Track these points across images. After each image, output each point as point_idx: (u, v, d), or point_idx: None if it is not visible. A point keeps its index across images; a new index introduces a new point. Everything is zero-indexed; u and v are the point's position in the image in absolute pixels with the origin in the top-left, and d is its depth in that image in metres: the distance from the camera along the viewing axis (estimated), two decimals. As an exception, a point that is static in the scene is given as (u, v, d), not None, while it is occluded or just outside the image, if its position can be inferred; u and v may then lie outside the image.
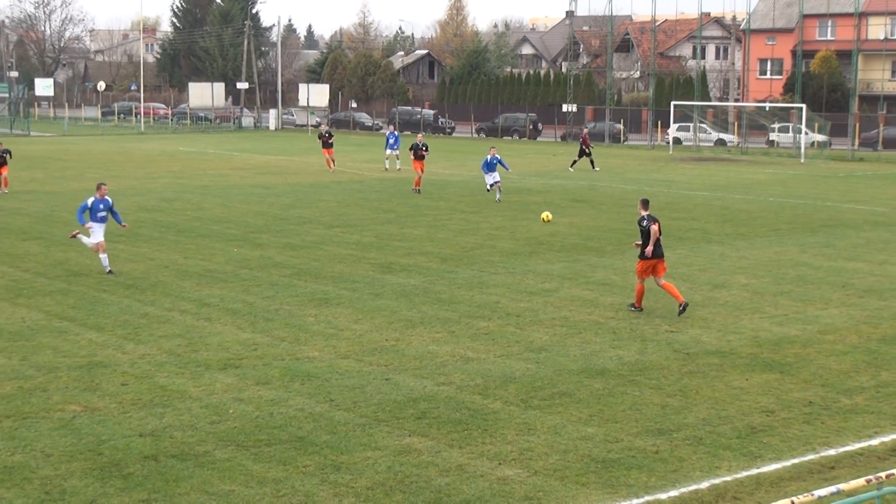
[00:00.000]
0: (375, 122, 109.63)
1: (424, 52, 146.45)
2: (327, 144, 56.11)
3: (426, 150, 46.59)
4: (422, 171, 45.83)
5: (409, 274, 25.72)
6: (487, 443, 13.88)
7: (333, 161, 55.97)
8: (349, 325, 20.34)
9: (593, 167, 59.42)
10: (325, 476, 12.69)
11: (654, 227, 21.44)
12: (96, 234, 25.43)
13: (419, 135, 54.86)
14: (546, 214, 26.16)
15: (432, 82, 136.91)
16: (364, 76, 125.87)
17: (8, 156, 45.11)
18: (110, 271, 25.13)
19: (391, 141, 56.61)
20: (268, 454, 13.36)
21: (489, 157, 41.39)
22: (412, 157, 46.13)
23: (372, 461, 13.17)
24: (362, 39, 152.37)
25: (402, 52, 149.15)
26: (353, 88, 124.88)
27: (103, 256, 25.36)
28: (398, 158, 56.77)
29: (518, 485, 12.51)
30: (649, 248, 21.43)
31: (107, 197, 25.76)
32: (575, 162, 59.99)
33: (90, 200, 25.47)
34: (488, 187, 41.76)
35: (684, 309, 21.27)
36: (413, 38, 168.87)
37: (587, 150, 59.86)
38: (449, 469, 12.95)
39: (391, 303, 22.42)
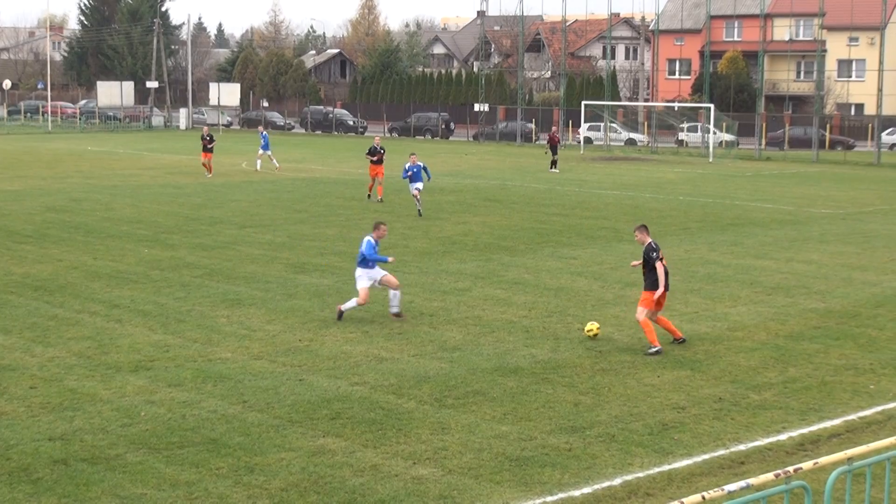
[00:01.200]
0: (287, 122, 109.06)
1: (336, 51, 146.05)
2: (207, 149, 51.66)
3: (383, 152, 43.12)
4: (381, 175, 42.29)
5: (323, 274, 25.63)
6: (402, 442, 13.88)
7: (211, 168, 51.78)
8: (262, 325, 20.22)
9: (552, 167, 59.12)
10: (239, 478, 12.60)
11: (661, 265, 18.85)
12: None
13: (376, 137, 52.87)
14: (592, 326, 20.74)
15: (344, 81, 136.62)
16: (276, 75, 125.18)
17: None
18: None
19: (263, 142, 55.70)
20: (180, 457, 13.23)
21: (408, 164, 37.50)
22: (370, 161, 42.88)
23: (286, 462, 13.11)
24: (273, 38, 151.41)
25: (313, 51, 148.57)
26: (265, 87, 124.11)
27: None
28: (272, 158, 56.07)
29: (433, 484, 12.53)
30: (663, 283, 18.75)
31: None
32: (554, 162, 59.49)
33: None
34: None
35: (682, 342, 19.24)
36: (325, 37, 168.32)
37: (555, 150, 59.84)
38: (363, 469, 12.93)
39: (304, 303, 22.33)
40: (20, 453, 13.24)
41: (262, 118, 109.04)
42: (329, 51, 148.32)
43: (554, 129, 67.20)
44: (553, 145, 60.18)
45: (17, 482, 12.36)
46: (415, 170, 37.41)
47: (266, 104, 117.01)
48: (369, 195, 42.60)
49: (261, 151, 55.82)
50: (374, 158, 42.49)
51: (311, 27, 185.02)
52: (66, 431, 14.05)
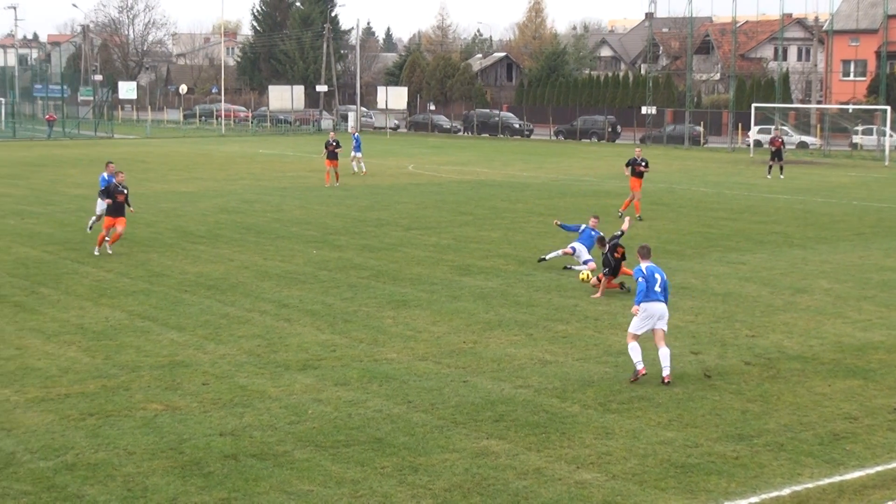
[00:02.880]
0: (453, 125, 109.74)
1: (503, 54, 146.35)
2: (332, 155, 49.02)
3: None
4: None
5: (487, 276, 25.70)
6: (565, 446, 13.83)
7: (338, 175, 49.10)
8: (427, 327, 20.37)
9: (771, 173, 57.07)
10: (403, 477, 12.71)
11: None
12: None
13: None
14: (585, 274, 23.35)
15: (510, 85, 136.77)
16: (442, 79, 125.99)
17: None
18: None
19: (355, 143, 55.70)
20: (346, 455, 13.42)
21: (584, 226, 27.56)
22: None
23: (449, 463, 13.18)
24: (441, 42, 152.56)
25: (480, 55, 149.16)
26: (432, 91, 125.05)
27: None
28: (360, 161, 55.87)
29: (596, 489, 12.45)
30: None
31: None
32: (770, 167, 57.56)
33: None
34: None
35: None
36: (491, 40, 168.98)
37: (780, 155, 57.71)
38: (527, 472, 12.92)
39: (469, 305, 22.42)
40: (192, 447, 13.61)
41: (428, 121, 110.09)
42: (495, 54, 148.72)
43: (776, 132, 65.55)
44: (777, 150, 57.69)
45: (189, 475, 12.70)
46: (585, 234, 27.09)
47: (432, 107, 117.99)
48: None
49: (353, 154, 55.59)
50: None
51: (478, 31, 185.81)
52: (236, 427, 14.39)
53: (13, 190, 45.43)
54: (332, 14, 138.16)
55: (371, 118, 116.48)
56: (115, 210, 28.03)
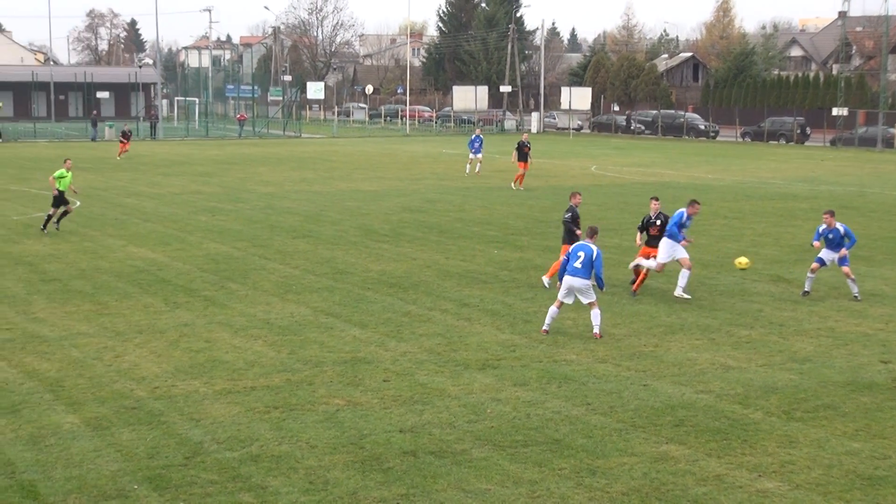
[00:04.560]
0: (638, 126, 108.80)
1: (689, 54, 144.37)
2: (523, 157, 47.73)
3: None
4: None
5: (669, 279, 25.38)
6: (747, 453, 13.57)
7: (521, 179, 47.81)
8: (607, 329, 20.23)
9: None
10: (581, 480, 12.67)
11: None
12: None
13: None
14: (741, 261, 23.18)
15: (696, 85, 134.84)
16: (627, 79, 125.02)
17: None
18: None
19: (476, 144, 54.40)
20: (524, 455, 13.44)
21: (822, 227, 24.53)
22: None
23: (627, 467, 13.08)
24: (626, 42, 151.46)
25: (665, 55, 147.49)
26: (616, 91, 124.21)
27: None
28: (479, 162, 54.71)
29: (778, 498, 12.19)
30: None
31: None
32: None
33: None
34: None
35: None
36: (677, 40, 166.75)
37: None
38: (707, 478, 12.73)
39: (650, 308, 22.20)
40: (373, 443, 13.82)
41: (612, 122, 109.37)
42: (682, 54, 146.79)
43: None
44: None
45: (368, 470, 12.90)
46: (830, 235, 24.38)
47: (616, 108, 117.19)
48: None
49: (472, 156, 54.64)
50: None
51: (664, 30, 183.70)
52: (415, 424, 14.55)
53: (205, 187, 46.86)
54: (517, 14, 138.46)
55: (554, 119, 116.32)
56: None
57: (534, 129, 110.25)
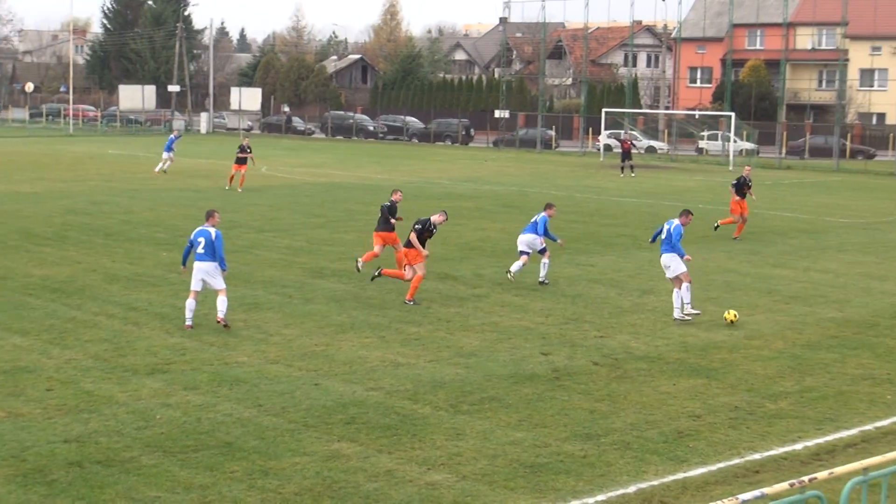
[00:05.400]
0: (308, 127, 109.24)
1: (358, 56, 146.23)
2: (240, 160, 47.33)
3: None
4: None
5: (340, 279, 25.66)
6: (416, 448, 13.88)
7: (242, 179, 47.23)
8: (279, 329, 20.25)
9: (624, 173, 62.41)
10: (253, 482, 12.61)
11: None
12: None
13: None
14: (731, 315, 21.88)
15: (365, 87, 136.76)
16: (297, 80, 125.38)
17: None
18: None
19: (171, 144, 54.98)
20: (195, 460, 13.25)
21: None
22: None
23: (300, 467, 13.12)
24: (295, 43, 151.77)
25: (335, 57, 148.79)
26: (286, 92, 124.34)
27: None
28: (166, 162, 54.81)
29: (447, 490, 12.52)
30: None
31: None
32: (623, 168, 63.01)
33: None
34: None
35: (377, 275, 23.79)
36: (346, 42, 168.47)
37: (629, 156, 63.45)
38: (378, 474, 12.93)
39: (322, 307, 22.35)
40: (36, 455, 13.29)
41: (282, 123, 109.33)
42: (351, 56, 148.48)
43: (625, 135, 70.47)
44: (626, 151, 63.56)
45: (31, 483, 12.40)
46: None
47: (287, 109, 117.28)
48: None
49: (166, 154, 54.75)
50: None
51: (334, 32, 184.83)
52: (81, 433, 14.09)
53: None
54: (185, 13, 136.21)
55: (224, 119, 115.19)
56: None
57: (203, 130, 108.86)
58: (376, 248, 25.97)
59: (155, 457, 13.31)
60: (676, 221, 22.20)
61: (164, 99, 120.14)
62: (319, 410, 15.36)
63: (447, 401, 15.98)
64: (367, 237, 32.40)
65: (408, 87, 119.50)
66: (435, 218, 23.64)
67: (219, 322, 20.03)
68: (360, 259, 25.80)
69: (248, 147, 48.20)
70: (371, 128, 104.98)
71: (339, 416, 15.09)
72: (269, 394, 16.10)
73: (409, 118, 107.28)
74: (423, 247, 23.26)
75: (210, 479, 12.67)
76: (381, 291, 24.16)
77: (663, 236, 22.23)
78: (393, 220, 25.83)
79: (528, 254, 25.62)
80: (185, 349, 18.62)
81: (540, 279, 25.61)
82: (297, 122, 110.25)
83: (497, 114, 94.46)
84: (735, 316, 21.53)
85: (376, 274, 24.06)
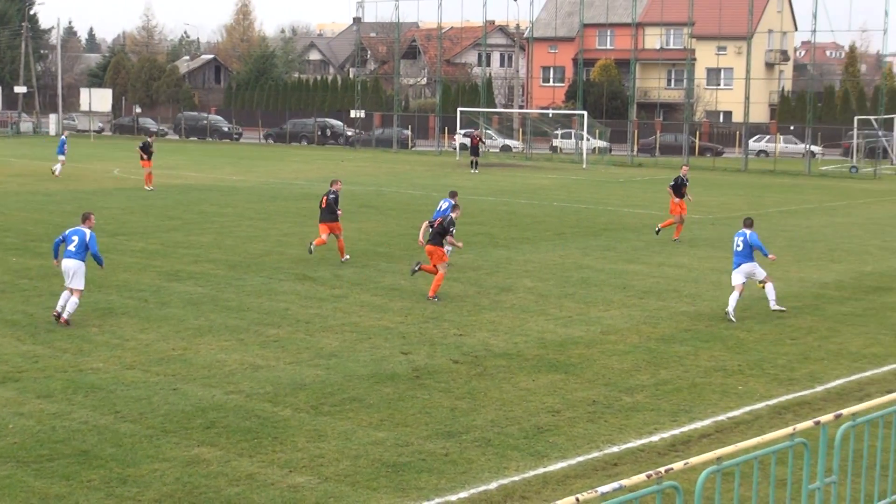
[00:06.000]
0: (161, 128, 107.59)
1: (210, 56, 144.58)
2: (145, 157, 48.51)
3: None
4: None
5: (197, 282, 25.34)
6: (278, 451, 13.79)
7: (150, 178, 48.54)
8: (135, 334, 19.91)
9: (474, 167, 65.34)
10: (111, 490, 12.38)
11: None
12: None
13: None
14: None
15: (219, 87, 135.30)
16: (148, 81, 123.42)
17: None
18: None
19: (62, 146, 54.82)
20: (50, 469, 12.95)
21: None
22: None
23: (159, 473, 12.93)
24: (146, 43, 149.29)
25: (187, 57, 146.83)
26: (138, 93, 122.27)
27: None
28: (59, 164, 54.61)
29: (309, 492, 12.47)
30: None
31: None
32: (473, 162, 65.83)
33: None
34: None
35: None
36: (199, 42, 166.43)
37: (477, 152, 66.32)
38: (239, 478, 12.82)
39: (178, 311, 22.04)
40: None
41: (135, 124, 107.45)
42: (203, 56, 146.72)
43: (475, 131, 72.25)
44: (475, 146, 66.09)
45: None
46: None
47: (139, 110, 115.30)
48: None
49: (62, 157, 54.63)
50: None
51: (185, 32, 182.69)
52: (-70, 446, 13.66)
53: None
54: (31, 12, 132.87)
55: (74, 121, 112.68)
56: None
57: (52, 132, 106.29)
58: (323, 237, 27.96)
59: (8, 468, 12.97)
60: (747, 231, 22.60)
61: (10, 100, 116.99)
62: (178, 415, 15.15)
63: (308, 402, 15.91)
64: (223, 239, 32.16)
65: (262, 88, 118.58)
66: (454, 215, 24.44)
67: (61, 322, 20.29)
68: (312, 243, 28.24)
69: (150, 144, 49.40)
70: (226, 129, 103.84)
71: (198, 421, 14.90)
72: (125, 400, 15.82)
73: (213, 116, 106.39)
74: (442, 243, 24.03)
75: (66, 488, 12.40)
76: (240, 294, 23.94)
77: (739, 249, 22.51)
78: (340, 211, 28.07)
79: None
80: (37, 356, 18.18)
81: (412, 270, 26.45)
82: (150, 123, 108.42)
83: (353, 114, 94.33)
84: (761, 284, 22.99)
85: (416, 268, 24.79)
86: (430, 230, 24.37)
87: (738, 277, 22.50)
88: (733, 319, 22.08)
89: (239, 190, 49.09)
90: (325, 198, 27.96)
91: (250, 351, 18.91)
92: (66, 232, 21.05)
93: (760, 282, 22.96)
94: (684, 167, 36.28)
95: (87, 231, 20.81)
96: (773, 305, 22.94)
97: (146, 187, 47.82)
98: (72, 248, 20.63)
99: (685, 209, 34.63)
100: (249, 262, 28.16)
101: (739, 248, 22.55)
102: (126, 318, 21.22)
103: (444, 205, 27.40)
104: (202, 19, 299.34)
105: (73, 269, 20.51)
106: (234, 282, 25.41)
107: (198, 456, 13.53)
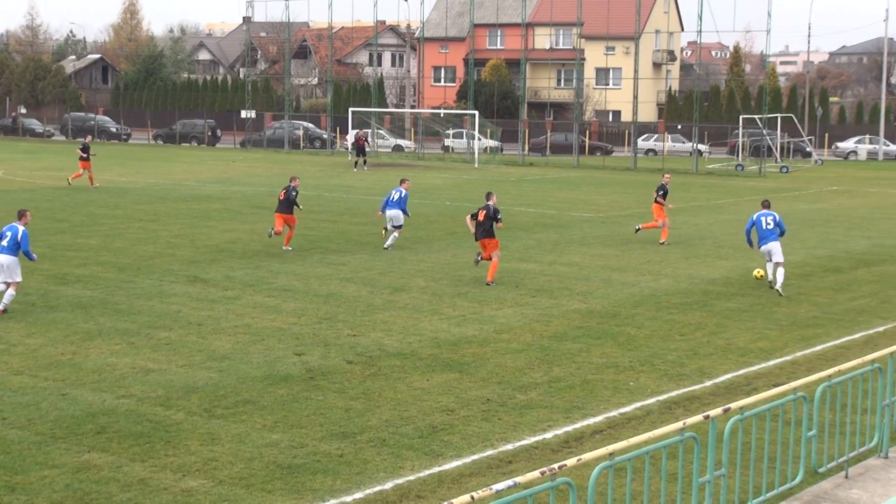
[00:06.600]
0: (47, 129, 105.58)
1: (97, 56, 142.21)
2: (84, 159, 50.05)
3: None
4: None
5: (86, 285, 24.95)
6: (170, 455, 13.65)
7: (91, 178, 49.96)
8: (22, 339, 19.54)
9: (357, 167, 66.72)
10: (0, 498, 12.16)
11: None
12: None
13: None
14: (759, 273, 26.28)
15: (107, 87, 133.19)
16: (33, 81, 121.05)
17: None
18: None
19: None
20: (-65, 479, 12.67)
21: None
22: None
23: (49, 480, 12.71)
24: (31, 42, 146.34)
25: (73, 57, 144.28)
26: (22, 93, 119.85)
27: None
28: None
29: (203, 495, 12.37)
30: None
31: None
32: (356, 162, 67.10)
33: None
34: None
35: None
36: (85, 42, 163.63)
37: (363, 151, 67.80)
38: (131, 483, 12.65)
39: (67, 315, 21.68)
40: None
41: (19, 126, 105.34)
42: (90, 56, 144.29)
43: (360, 131, 73.35)
44: (360, 146, 67.49)
45: None
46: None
47: (24, 111, 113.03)
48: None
49: None
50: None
51: (71, 31, 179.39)
52: None
53: None
54: None
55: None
56: None
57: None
58: (278, 227, 30.53)
59: None
60: (769, 213, 25.27)
61: None
62: (68, 421, 14.90)
63: (201, 405, 15.76)
64: (113, 241, 31.73)
65: (150, 88, 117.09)
66: (492, 202, 26.38)
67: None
68: (273, 229, 30.66)
69: (89, 146, 51.34)
70: (114, 129, 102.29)
71: (88, 426, 14.68)
72: (13, 406, 15.52)
73: (100, 117, 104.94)
74: (493, 233, 26.19)
75: (-48, 497, 12.14)
76: (130, 297, 23.62)
77: (768, 227, 25.06)
78: (300, 207, 31.47)
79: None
80: (-80, 363, 17.74)
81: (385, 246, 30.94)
82: (35, 124, 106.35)
83: (243, 114, 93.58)
84: (761, 274, 25.43)
85: (479, 259, 26.44)
86: (475, 222, 26.30)
87: (767, 253, 25.25)
88: (781, 293, 24.73)
89: (128, 191, 48.42)
90: (284, 191, 31.01)
91: (141, 354, 18.68)
92: (3, 229, 21.77)
93: (776, 263, 24.99)
94: (666, 175, 36.49)
95: (21, 228, 21.74)
96: (779, 287, 24.90)
97: (91, 185, 49.58)
98: (4, 243, 21.45)
99: (665, 215, 34.19)
100: (140, 265, 27.80)
101: (770, 227, 25.12)
102: (13, 323, 20.82)
103: (395, 195, 31.15)
104: (88, 18, 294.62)
105: (6, 265, 21.38)
106: (123, 284, 25.07)
107: (88, 462, 13.33)
